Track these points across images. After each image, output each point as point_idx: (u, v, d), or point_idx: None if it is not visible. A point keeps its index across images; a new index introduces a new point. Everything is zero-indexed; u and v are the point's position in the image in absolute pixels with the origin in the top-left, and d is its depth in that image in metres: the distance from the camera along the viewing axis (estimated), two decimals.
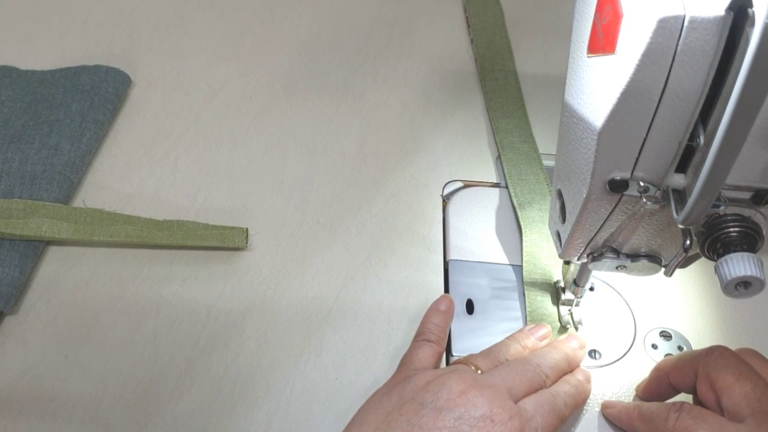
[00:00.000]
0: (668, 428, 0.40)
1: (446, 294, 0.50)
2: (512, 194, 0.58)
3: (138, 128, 0.63)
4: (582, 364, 0.48)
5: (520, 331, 0.48)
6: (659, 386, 0.45)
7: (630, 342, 0.50)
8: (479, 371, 0.42)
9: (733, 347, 0.42)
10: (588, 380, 0.45)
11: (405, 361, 0.45)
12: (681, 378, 0.43)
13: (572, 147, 0.39)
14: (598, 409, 0.46)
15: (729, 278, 0.35)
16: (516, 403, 0.40)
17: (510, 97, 0.68)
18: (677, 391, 0.45)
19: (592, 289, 0.52)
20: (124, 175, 0.59)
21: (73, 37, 0.71)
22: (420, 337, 0.47)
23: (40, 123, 0.59)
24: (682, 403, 0.41)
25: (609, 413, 0.46)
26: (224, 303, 0.51)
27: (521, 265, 0.53)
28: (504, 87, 0.69)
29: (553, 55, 0.74)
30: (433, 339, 0.46)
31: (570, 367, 0.45)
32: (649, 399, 0.46)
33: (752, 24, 0.28)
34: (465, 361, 0.43)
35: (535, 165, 0.60)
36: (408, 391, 0.40)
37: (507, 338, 0.47)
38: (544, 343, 0.47)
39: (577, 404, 0.43)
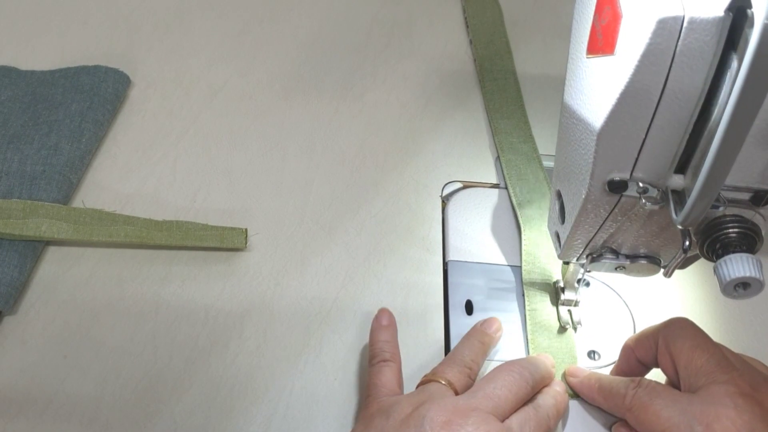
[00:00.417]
0: (625, 404, 0.41)
1: (383, 308, 0.49)
2: (511, 194, 0.58)
3: (137, 128, 0.63)
4: (581, 365, 0.48)
5: (473, 329, 0.48)
6: (628, 363, 0.46)
7: None
8: (452, 386, 0.42)
9: (733, 348, 0.42)
10: (565, 391, 0.45)
11: (371, 390, 0.43)
12: (644, 351, 0.44)
13: (571, 148, 0.39)
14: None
15: (728, 279, 0.35)
16: (503, 421, 0.39)
17: (509, 98, 0.67)
18: (647, 368, 0.45)
19: (588, 284, 0.52)
20: (124, 176, 0.59)
21: (73, 37, 0.71)
22: (375, 360, 0.45)
23: (40, 123, 0.59)
24: (640, 380, 0.42)
25: (571, 382, 0.46)
26: (223, 303, 0.51)
27: (520, 266, 0.53)
28: (503, 87, 0.69)
29: (553, 56, 0.74)
30: (388, 357, 0.45)
31: (548, 380, 0.45)
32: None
33: (751, 25, 0.28)
34: (434, 377, 0.43)
35: (534, 165, 0.60)
36: (388, 428, 0.39)
37: (464, 338, 0.47)
38: (498, 335, 0.48)
39: (559, 415, 0.43)
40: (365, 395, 0.44)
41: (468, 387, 0.43)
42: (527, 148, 0.62)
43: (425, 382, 0.43)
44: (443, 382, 0.42)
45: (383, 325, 0.48)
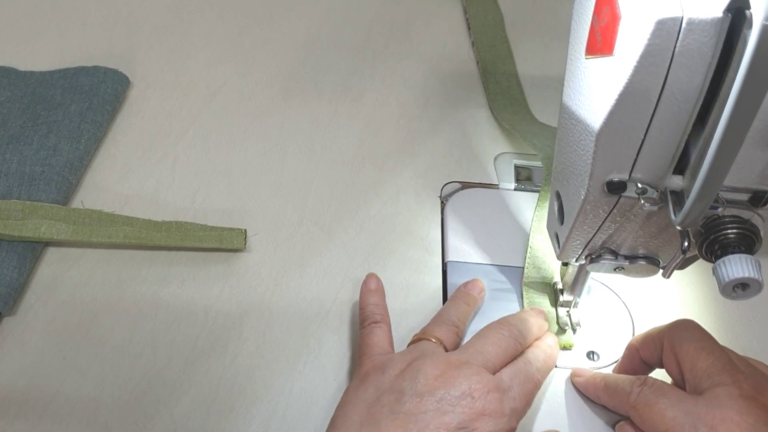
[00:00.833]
0: (630, 402, 0.42)
1: (371, 273, 0.51)
2: (533, 146, 0.59)
3: (136, 129, 0.63)
4: (580, 366, 0.48)
5: (458, 291, 0.50)
6: (632, 363, 0.46)
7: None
8: (442, 343, 0.44)
9: (732, 348, 0.42)
10: (556, 345, 0.47)
11: (364, 350, 0.45)
12: (649, 352, 0.44)
13: (570, 148, 0.39)
14: (566, 376, 0.47)
15: (727, 280, 0.35)
16: (494, 374, 0.41)
17: (513, 99, 0.67)
18: (650, 367, 0.45)
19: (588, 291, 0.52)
20: (123, 176, 0.59)
21: (72, 38, 0.71)
22: (367, 322, 0.47)
23: (39, 124, 0.59)
24: (646, 378, 0.42)
25: (577, 382, 0.47)
26: (223, 304, 0.51)
27: (520, 267, 0.53)
28: (507, 90, 0.69)
29: (552, 57, 0.74)
30: (379, 319, 0.47)
31: (540, 334, 0.47)
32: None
33: (750, 26, 0.28)
34: (424, 335, 0.45)
35: (549, 129, 0.61)
36: (384, 382, 0.41)
37: (450, 300, 0.49)
38: (482, 295, 0.50)
39: (548, 369, 0.45)
40: (358, 356, 0.46)
41: (456, 344, 0.46)
42: (538, 126, 0.64)
43: (416, 340, 0.45)
44: (433, 340, 0.44)
45: (372, 289, 0.50)
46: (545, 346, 0.46)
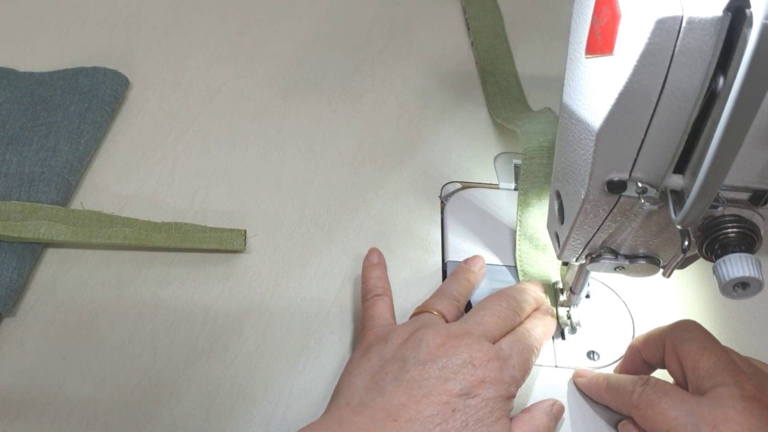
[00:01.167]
0: (632, 402, 0.42)
1: (373, 247, 0.53)
2: (517, 128, 0.59)
3: (136, 130, 0.63)
4: (580, 365, 0.48)
5: (459, 267, 0.51)
6: (633, 363, 0.46)
7: (628, 343, 0.50)
8: (443, 316, 0.45)
9: (732, 347, 0.42)
10: (553, 315, 0.48)
11: (367, 322, 0.46)
12: (651, 352, 0.44)
13: (570, 148, 0.39)
14: (569, 377, 0.48)
15: (727, 279, 0.35)
16: (493, 344, 0.42)
17: (512, 99, 0.67)
18: (652, 368, 0.46)
19: (588, 296, 0.52)
20: (122, 177, 0.59)
21: (72, 38, 0.71)
22: (369, 295, 0.48)
23: (38, 125, 0.59)
24: (648, 378, 0.42)
25: (579, 382, 0.47)
26: (222, 305, 0.51)
27: (514, 266, 0.53)
28: (506, 89, 0.68)
29: (552, 56, 0.74)
30: (381, 292, 0.49)
31: (537, 305, 0.48)
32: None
33: (750, 25, 0.28)
34: (426, 308, 0.46)
35: (542, 112, 0.61)
36: (387, 351, 0.42)
37: (451, 275, 0.50)
38: (482, 272, 0.51)
39: (546, 338, 0.46)
40: (361, 328, 0.46)
41: (457, 318, 0.47)
42: (535, 112, 0.63)
43: (418, 313, 0.46)
44: (435, 313, 0.45)
45: (374, 263, 0.51)
46: (542, 317, 0.47)
